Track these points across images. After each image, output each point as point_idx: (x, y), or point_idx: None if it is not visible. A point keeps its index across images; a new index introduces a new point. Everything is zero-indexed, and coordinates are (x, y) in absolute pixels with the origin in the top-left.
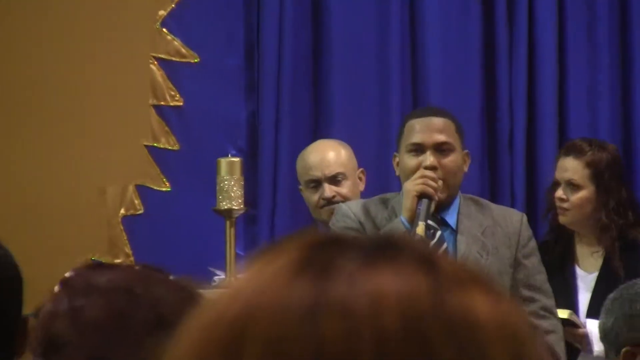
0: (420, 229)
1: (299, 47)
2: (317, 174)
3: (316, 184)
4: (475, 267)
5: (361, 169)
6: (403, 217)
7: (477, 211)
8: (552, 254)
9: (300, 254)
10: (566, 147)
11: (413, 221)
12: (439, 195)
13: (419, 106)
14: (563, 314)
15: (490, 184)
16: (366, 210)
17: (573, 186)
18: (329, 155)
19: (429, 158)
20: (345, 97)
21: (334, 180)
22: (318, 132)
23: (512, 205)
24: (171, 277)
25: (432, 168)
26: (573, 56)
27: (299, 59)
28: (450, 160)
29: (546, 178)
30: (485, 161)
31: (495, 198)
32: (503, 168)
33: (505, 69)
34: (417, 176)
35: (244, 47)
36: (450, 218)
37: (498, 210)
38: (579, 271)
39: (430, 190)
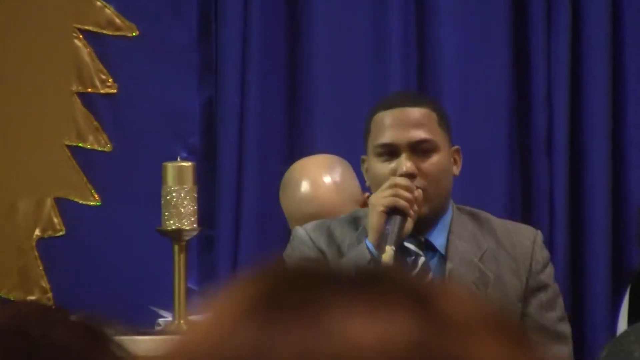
0: (387, 255)
1: (270, 17)
2: None
3: None
4: (488, 303)
5: (366, 195)
6: (369, 241)
7: (475, 229)
8: None
9: (254, 293)
10: None
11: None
12: (418, 210)
13: (427, 94)
14: None
15: (521, 196)
16: (329, 234)
17: None
18: (325, 205)
19: (404, 163)
20: (331, 85)
21: None
22: (295, 127)
23: (552, 224)
24: (73, 318)
25: (410, 176)
26: (630, 25)
27: (270, 31)
28: (433, 163)
29: (597, 187)
30: (514, 167)
31: (528, 214)
32: (539, 174)
33: (540, 43)
34: (385, 186)
35: (197, 17)
36: (438, 239)
37: (503, 227)
38: None
39: (403, 203)
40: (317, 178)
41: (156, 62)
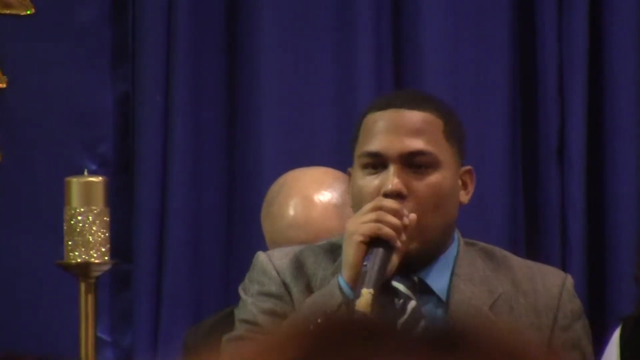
0: (363, 300)
1: None
2: None
3: None
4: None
5: None
6: (342, 278)
7: (488, 270)
8: None
9: (298, 353)
10: None
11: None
12: (408, 241)
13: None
14: None
15: (526, 219)
16: (298, 265)
17: None
18: (320, 232)
19: (391, 179)
20: (282, 74)
21: None
22: (236, 127)
23: (565, 255)
24: None
25: (396, 195)
26: None
27: (204, 4)
28: (429, 183)
29: (622, 206)
30: (517, 181)
31: (534, 242)
32: (548, 190)
33: (550, 23)
34: (367, 208)
35: None
36: (437, 281)
37: (524, 268)
38: None
39: (388, 231)
40: (312, 197)
41: (56, 47)
